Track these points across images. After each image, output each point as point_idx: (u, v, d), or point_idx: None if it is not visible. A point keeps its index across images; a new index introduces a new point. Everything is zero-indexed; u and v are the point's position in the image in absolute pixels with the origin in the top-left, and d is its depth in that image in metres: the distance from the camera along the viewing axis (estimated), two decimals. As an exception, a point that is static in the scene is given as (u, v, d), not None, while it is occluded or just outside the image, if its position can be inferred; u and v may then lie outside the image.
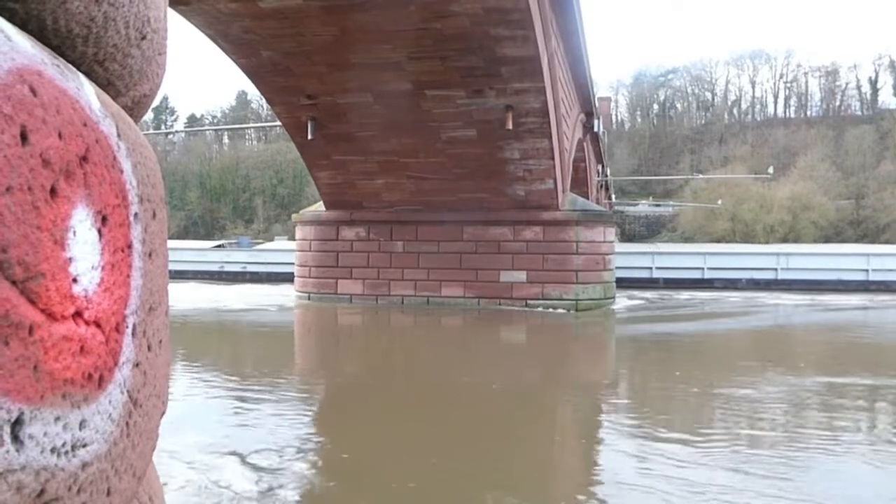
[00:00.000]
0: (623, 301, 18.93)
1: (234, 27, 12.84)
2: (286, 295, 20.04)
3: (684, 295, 21.76)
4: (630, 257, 24.96)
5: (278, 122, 18.69)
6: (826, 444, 6.10)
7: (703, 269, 24.54)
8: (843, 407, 7.65)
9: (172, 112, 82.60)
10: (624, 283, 22.58)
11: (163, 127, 74.90)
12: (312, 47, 13.32)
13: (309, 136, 15.91)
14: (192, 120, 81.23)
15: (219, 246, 34.83)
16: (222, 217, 68.96)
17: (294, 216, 20.27)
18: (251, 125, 67.10)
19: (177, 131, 75.82)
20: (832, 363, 10.89)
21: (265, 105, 38.82)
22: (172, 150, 77.56)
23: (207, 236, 60.04)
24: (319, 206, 19.23)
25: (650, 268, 24.85)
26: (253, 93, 66.11)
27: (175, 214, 63.90)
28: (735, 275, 24.20)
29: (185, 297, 18.73)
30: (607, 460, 5.94)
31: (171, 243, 37.80)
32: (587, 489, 5.20)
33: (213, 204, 70.26)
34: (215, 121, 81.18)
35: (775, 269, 24.06)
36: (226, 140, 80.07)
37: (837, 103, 72.81)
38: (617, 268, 21.65)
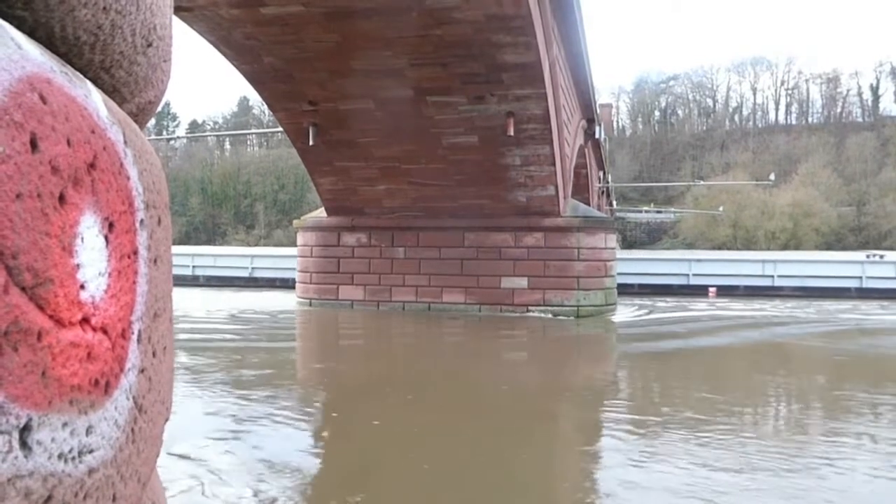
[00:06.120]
0: (623, 308, 18.88)
1: (235, 33, 12.88)
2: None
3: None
4: (883, 266, 22.58)
5: (280, 128, 18.73)
6: None
7: None
8: None
9: (174, 118, 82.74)
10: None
11: (164, 132, 75.01)
12: (314, 53, 13.36)
13: (310, 142, 15.93)
14: (194, 126, 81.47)
15: None
16: (224, 223, 69.11)
17: (295, 222, 20.28)
18: (253, 131, 67.25)
19: (179, 137, 76.03)
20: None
21: (267, 111, 38.89)
22: (174, 156, 77.72)
23: (209, 242, 60.17)
24: (321, 212, 19.25)
25: None
26: (255, 99, 66.34)
27: (177, 220, 63.92)
28: None
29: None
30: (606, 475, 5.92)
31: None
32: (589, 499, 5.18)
33: (215, 209, 70.47)
34: (217, 126, 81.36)
35: None
36: (227, 146, 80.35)
37: (839, 110, 72.96)
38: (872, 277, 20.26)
